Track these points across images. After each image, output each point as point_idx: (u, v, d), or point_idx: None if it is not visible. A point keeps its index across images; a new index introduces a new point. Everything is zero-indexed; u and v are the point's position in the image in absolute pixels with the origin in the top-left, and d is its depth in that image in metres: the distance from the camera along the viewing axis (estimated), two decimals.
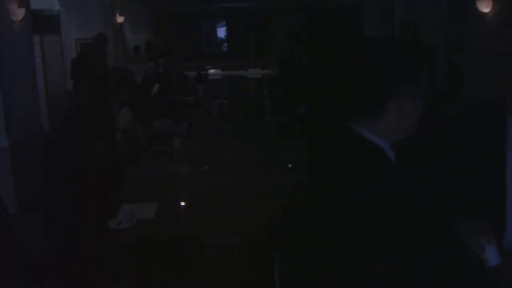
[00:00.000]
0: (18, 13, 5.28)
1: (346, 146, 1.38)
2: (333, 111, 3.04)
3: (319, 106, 5.57)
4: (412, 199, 1.33)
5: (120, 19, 10.25)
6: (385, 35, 11.38)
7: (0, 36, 4.96)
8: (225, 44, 16.89)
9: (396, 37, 10.22)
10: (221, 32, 16.94)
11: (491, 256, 1.51)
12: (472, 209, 1.69)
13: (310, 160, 3.81)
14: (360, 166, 1.29)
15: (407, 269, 1.23)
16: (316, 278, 1.34)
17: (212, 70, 13.81)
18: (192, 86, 9.29)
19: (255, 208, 2.78)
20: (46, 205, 3.49)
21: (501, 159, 1.79)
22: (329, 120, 4.26)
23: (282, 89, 8.79)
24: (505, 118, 1.84)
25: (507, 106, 1.86)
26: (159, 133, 4.83)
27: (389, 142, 1.35)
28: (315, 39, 13.59)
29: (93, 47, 7.34)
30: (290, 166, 3.83)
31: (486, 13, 6.09)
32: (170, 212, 3.04)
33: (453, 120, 2.06)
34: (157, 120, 4.81)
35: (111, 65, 8.16)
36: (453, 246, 1.59)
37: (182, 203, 3.34)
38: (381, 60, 1.34)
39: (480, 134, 1.87)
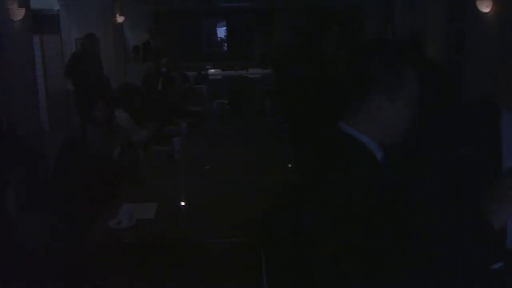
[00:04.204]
0: (18, 13, 5.29)
1: (331, 144, 1.40)
2: (322, 110, 3.06)
3: (310, 105, 5.58)
4: (402, 200, 1.34)
5: (120, 19, 10.25)
6: (385, 36, 11.41)
7: (0, 36, 4.97)
8: (225, 44, 16.89)
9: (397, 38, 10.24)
10: (221, 32, 16.94)
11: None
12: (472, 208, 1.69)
13: (297, 159, 3.83)
14: (343, 163, 1.31)
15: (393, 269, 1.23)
16: (301, 278, 1.35)
17: (212, 70, 13.80)
18: (192, 86, 9.29)
19: (255, 208, 2.77)
20: (49, 205, 3.50)
21: (497, 156, 1.79)
22: (318, 119, 4.27)
23: (279, 89, 8.81)
24: (497, 112, 1.84)
25: (502, 100, 1.87)
26: (159, 134, 4.84)
27: (375, 141, 1.36)
28: (314, 40, 13.63)
29: (86, 47, 7.35)
30: (290, 166, 3.83)
31: (486, 13, 6.09)
32: (170, 212, 3.04)
33: (450, 121, 2.07)
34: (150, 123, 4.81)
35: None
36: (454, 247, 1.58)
37: (182, 203, 3.34)
38: (355, 59, 1.39)
39: (476, 133, 1.88)
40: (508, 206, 1.29)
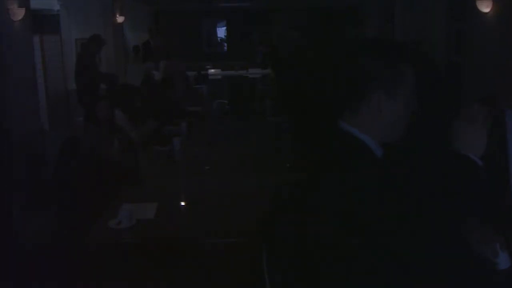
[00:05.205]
0: (18, 13, 5.29)
1: (331, 143, 1.41)
2: (322, 110, 3.06)
3: (310, 105, 5.59)
4: (402, 198, 1.34)
5: (120, 19, 10.24)
6: (385, 36, 11.42)
7: (0, 36, 4.97)
8: (225, 44, 16.88)
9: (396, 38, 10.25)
10: (221, 32, 16.94)
11: (503, 260, 1.53)
12: (477, 211, 1.69)
13: (297, 159, 3.83)
14: (344, 162, 1.31)
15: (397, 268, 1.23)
16: (303, 278, 1.35)
17: (212, 70, 13.79)
18: (192, 86, 9.28)
19: (255, 208, 2.77)
20: (49, 205, 3.50)
21: (503, 157, 1.78)
22: (318, 119, 4.27)
23: (279, 89, 8.81)
24: (501, 112, 1.84)
25: (503, 100, 1.86)
26: (156, 134, 4.84)
27: (375, 140, 1.37)
28: (314, 39, 13.65)
29: (88, 48, 7.35)
30: (288, 165, 3.83)
31: (486, 13, 6.09)
32: (170, 212, 3.04)
33: (451, 120, 2.06)
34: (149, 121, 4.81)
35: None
36: (456, 250, 1.58)
37: (182, 203, 3.34)
38: (354, 58, 1.39)
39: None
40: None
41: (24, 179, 5.04)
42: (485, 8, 6.06)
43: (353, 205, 1.23)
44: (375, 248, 1.22)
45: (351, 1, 14.19)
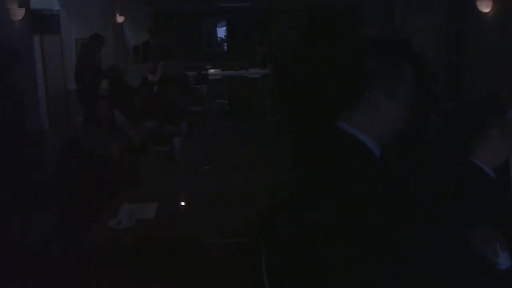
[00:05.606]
0: (18, 13, 5.29)
1: (331, 142, 1.41)
2: (322, 110, 3.06)
3: (310, 105, 5.58)
4: (401, 198, 1.34)
5: (120, 19, 10.24)
6: (385, 36, 11.41)
7: (0, 36, 4.97)
8: (225, 44, 16.89)
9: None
10: (221, 32, 16.94)
11: (503, 260, 1.53)
12: (477, 212, 1.69)
13: (295, 158, 3.83)
14: (344, 161, 1.31)
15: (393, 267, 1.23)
16: (302, 277, 1.35)
17: (212, 70, 13.78)
18: (192, 86, 9.27)
19: (255, 208, 2.77)
20: (49, 205, 3.50)
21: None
22: (318, 119, 4.27)
23: (279, 89, 8.81)
24: (503, 112, 1.84)
25: (503, 100, 1.87)
26: (156, 134, 4.84)
27: (372, 139, 1.37)
28: (314, 39, 13.64)
29: (88, 48, 7.35)
30: (288, 165, 3.82)
31: (486, 13, 6.10)
32: (170, 212, 3.04)
33: (451, 120, 2.07)
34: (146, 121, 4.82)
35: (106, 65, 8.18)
36: (457, 250, 1.59)
37: (182, 203, 3.34)
38: (356, 57, 1.40)
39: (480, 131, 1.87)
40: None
41: (24, 179, 5.04)
42: (485, 8, 6.06)
43: (353, 205, 1.23)
44: (375, 248, 1.22)
45: (351, 1, 14.19)
